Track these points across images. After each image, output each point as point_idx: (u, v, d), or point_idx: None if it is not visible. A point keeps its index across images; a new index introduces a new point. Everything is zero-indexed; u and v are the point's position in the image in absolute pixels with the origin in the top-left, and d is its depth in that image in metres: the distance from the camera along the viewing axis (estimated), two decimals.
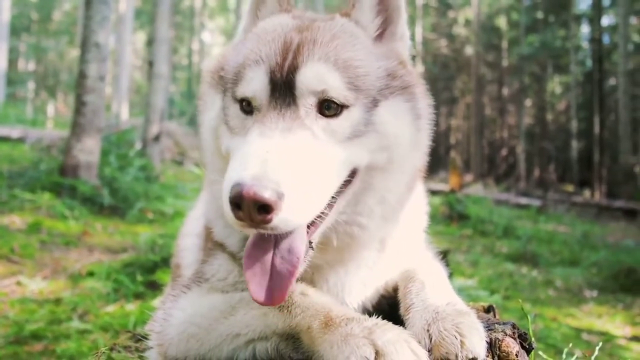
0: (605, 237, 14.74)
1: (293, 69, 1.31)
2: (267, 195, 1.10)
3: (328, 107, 1.33)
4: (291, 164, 1.20)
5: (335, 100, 1.33)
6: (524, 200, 21.91)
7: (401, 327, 1.25)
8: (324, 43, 1.36)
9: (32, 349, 3.97)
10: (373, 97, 1.38)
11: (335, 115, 1.33)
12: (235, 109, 1.40)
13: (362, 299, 1.60)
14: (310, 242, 1.34)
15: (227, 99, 1.43)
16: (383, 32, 1.54)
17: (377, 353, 1.14)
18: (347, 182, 1.37)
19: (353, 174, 1.38)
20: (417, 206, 1.72)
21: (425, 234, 1.79)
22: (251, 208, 1.12)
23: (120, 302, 4.98)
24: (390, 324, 1.24)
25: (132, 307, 4.85)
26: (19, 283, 5.25)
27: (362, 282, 1.59)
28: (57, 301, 4.92)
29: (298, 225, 1.22)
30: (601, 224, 18.31)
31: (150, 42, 16.67)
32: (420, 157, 1.55)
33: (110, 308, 4.84)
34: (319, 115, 1.33)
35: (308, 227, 1.31)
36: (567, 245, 12.27)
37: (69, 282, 5.48)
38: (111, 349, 1.86)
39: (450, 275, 1.78)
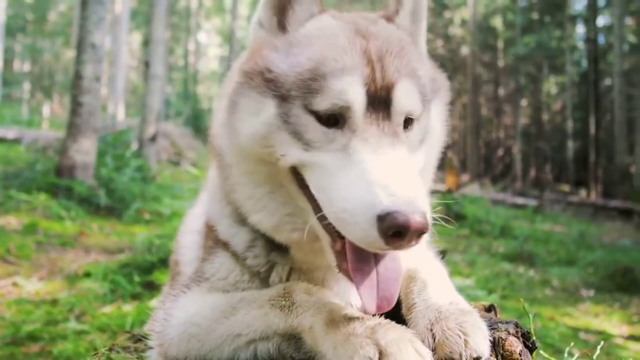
0: (601, 236, 14.78)
1: (389, 86, 1.29)
2: (427, 221, 1.11)
3: (407, 120, 1.35)
4: (417, 181, 1.22)
5: (415, 116, 1.36)
6: (520, 200, 21.98)
7: (404, 327, 1.25)
8: (399, 55, 1.35)
9: (28, 350, 3.95)
10: (429, 102, 1.43)
11: (410, 126, 1.37)
12: (309, 120, 1.29)
13: None
14: None
15: (289, 106, 1.31)
16: (414, 37, 1.59)
17: (380, 353, 1.13)
18: None
19: None
20: None
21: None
22: (414, 236, 1.11)
23: (117, 303, 4.96)
24: (393, 323, 1.23)
25: (129, 307, 4.83)
26: (15, 284, 5.22)
27: None
28: (54, 302, 4.90)
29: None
30: (597, 224, 18.36)
31: (147, 43, 16.66)
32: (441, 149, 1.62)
33: (107, 309, 4.81)
34: (404, 128, 1.35)
35: None
36: (564, 245, 12.29)
37: (65, 283, 5.45)
38: (110, 350, 1.85)
39: (449, 275, 1.78)
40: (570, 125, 35.08)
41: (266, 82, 1.36)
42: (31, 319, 4.45)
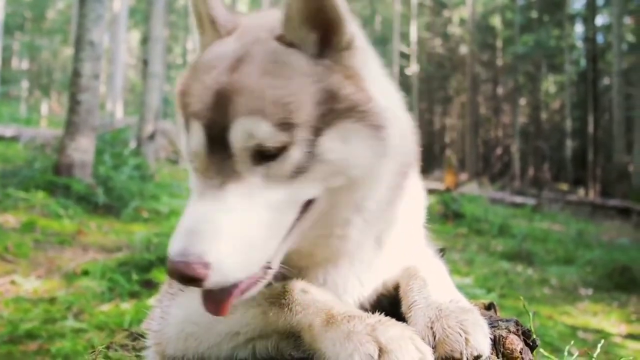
0: (599, 235, 14.80)
1: (223, 127, 1.26)
2: (190, 271, 1.14)
3: (263, 153, 1.26)
4: (222, 227, 1.19)
5: (270, 148, 1.25)
6: (518, 199, 22.01)
7: (405, 324, 1.24)
8: (251, 87, 1.26)
9: (26, 348, 3.95)
10: (314, 127, 1.27)
11: (273, 157, 1.26)
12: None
13: (360, 298, 1.57)
14: (269, 265, 1.32)
15: (185, 132, 1.37)
16: (325, 43, 1.35)
17: (380, 350, 1.12)
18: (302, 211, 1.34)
19: (308, 203, 1.33)
20: (414, 200, 1.68)
21: (424, 230, 1.77)
22: (184, 281, 1.16)
23: (116, 301, 4.96)
24: (393, 320, 1.22)
25: (127, 306, 4.83)
26: (13, 282, 5.22)
27: (358, 279, 1.56)
28: (52, 300, 4.89)
29: (237, 280, 1.23)
30: (595, 223, 18.38)
31: (145, 41, 16.66)
32: (397, 160, 1.43)
33: (105, 307, 4.81)
34: (257, 162, 1.26)
35: None
36: (562, 244, 12.32)
37: (63, 281, 5.45)
38: (108, 348, 1.85)
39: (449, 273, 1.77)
40: (568, 124, 35.14)
41: (180, 103, 1.41)
42: (29, 317, 4.45)
